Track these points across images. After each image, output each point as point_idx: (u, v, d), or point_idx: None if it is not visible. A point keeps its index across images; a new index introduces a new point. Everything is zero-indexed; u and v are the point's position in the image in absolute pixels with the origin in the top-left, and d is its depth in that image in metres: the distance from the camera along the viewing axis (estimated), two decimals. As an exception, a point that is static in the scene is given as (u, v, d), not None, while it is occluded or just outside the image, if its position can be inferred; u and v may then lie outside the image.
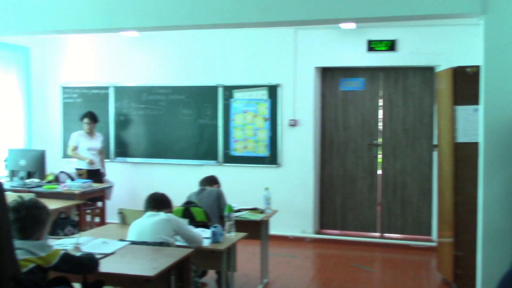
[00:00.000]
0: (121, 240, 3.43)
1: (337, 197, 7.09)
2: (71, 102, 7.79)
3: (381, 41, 6.50)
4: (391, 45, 6.48)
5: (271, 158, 6.97)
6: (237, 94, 7.07)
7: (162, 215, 3.55)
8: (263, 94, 6.97)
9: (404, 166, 6.83)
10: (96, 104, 7.57)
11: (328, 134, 7.09)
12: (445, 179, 5.07)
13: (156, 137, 7.44)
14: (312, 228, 6.93)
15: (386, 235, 6.91)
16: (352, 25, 6.27)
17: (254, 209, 5.03)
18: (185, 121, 7.29)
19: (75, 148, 6.92)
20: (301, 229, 6.92)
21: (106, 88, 7.61)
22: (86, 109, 7.30)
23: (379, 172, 6.95)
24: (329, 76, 7.07)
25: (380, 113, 6.91)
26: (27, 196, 4.28)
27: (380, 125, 6.92)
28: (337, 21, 4.62)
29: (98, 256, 2.92)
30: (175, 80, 7.33)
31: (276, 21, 3.99)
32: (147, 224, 3.52)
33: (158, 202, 3.73)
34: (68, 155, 7.08)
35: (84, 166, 6.86)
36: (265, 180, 6.71)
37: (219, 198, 4.64)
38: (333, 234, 7.01)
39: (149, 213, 3.63)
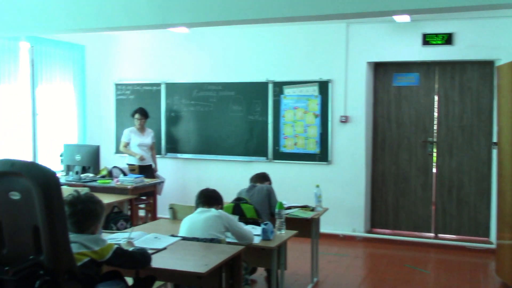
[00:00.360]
0: (172, 235, 3.44)
1: (389, 196, 6.91)
2: (124, 99, 7.93)
3: (437, 35, 6.27)
4: (447, 39, 6.24)
5: (322, 155, 6.86)
6: (288, 90, 7.00)
7: (213, 211, 3.53)
8: (314, 90, 6.88)
9: (461, 164, 6.57)
10: (148, 100, 7.68)
11: (380, 131, 6.92)
12: (506, 178, 4.84)
13: (206, 133, 7.47)
14: (363, 227, 6.79)
15: (441, 235, 6.68)
16: (406, 18, 6.08)
17: (304, 207, 4.96)
18: (235, 117, 7.29)
19: (127, 144, 7.04)
20: (352, 228, 6.79)
21: (158, 84, 7.71)
22: (138, 106, 7.42)
23: (434, 170, 6.72)
24: (381, 71, 6.89)
25: (435, 110, 6.68)
26: (82, 190, 4.38)
27: (435, 122, 6.68)
28: (391, 13, 4.46)
29: (150, 251, 2.93)
30: (225, 76, 7.33)
31: (328, 14, 3.90)
32: (198, 220, 3.51)
33: (209, 198, 3.72)
34: (120, 151, 7.22)
35: (135, 162, 6.98)
36: (315, 177, 6.63)
37: (270, 195, 4.60)
38: (384, 234, 6.84)
39: (200, 209, 3.62)
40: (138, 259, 2.77)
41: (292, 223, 4.38)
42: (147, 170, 6.98)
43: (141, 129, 7.10)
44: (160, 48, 7.73)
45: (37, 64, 6.75)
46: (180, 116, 7.62)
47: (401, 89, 6.81)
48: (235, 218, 3.94)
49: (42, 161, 6.84)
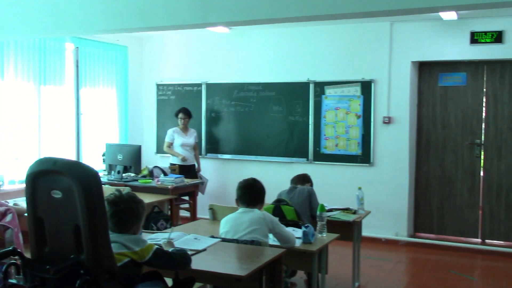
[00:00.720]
0: (212, 236, 3.40)
1: (433, 199, 6.70)
2: (165, 99, 7.99)
3: (486, 33, 6.03)
4: (497, 37, 6.00)
5: (364, 157, 6.72)
6: (329, 91, 6.89)
7: (257, 213, 3.45)
8: (356, 90, 6.74)
9: (510, 167, 6.31)
10: (189, 101, 7.70)
11: (425, 133, 6.71)
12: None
13: (246, 134, 7.44)
14: (406, 231, 6.60)
15: (488, 241, 6.43)
16: (453, 16, 5.87)
17: (346, 209, 4.84)
18: (275, 118, 7.22)
19: (170, 144, 7.10)
20: (395, 232, 6.61)
21: (199, 85, 7.72)
22: (179, 106, 7.46)
23: (481, 173, 6.47)
24: (427, 71, 6.69)
25: (483, 111, 6.44)
26: (124, 190, 4.41)
27: (483, 123, 6.44)
28: (437, 10, 4.29)
29: (190, 253, 2.89)
30: (265, 76, 7.28)
31: (372, 11, 3.76)
32: (242, 222, 3.42)
33: (253, 198, 3.58)
34: (164, 151, 7.27)
35: (178, 161, 7.02)
36: (357, 179, 6.49)
37: (311, 197, 4.50)
38: (428, 238, 6.63)
39: (242, 209, 3.53)
40: (178, 260, 2.74)
41: (333, 226, 4.28)
42: (190, 170, 7.02)
43: (185, 129, 7.14)
44: (201, 48, 7.74)
45: (81, 65, 6.87)
46: (220, 116, 7.61)
47: (447, 89, 6.60)
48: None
49: (86, 160, 6.96)
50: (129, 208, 2.70)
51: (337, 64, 6.84)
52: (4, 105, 5.90)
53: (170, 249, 2.87)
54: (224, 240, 3.31)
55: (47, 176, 2.34)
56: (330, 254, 4.52)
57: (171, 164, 7.09)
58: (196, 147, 7.28)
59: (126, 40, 7.69)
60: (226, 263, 2.86)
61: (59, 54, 6.58)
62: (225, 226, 3.51)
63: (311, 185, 4.89)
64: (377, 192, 6.52)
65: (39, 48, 6.26)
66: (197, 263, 2.78)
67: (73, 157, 6.79)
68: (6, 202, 4.72)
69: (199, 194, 7.20)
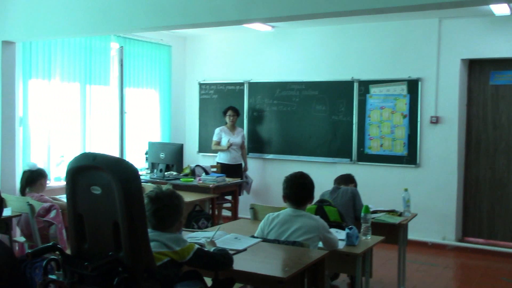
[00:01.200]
0: (253, 236, 3.32)
1: (483, 203, 6.42)
2: (208, 98, 7.99)
3: (542, 28, 5.74)
4: (554, 33, 5.70)
5: (410, 158, 6.51)
6: (374, 89, 6.71)
7: (308, 219, 3.26)
8: (402, 89, 6.54)
9: None
10: (231, 100, 7.67)
11: (475, 133, 6.44)
12: None
13: (289, 133, 7.34)
14: (454, 235, 6.35)
15: (543, 247, 6.12)
16: (506, 10, 5.60)
17: (391, 211, 4.67)
18: (318, 117, 7.10)
19: (217, 143, 7.11)
20: (442, 236, 6.38)
21: (241, 84, 7.68)
22: (222, 105, 7.48)
23: (536, 176, 6.17)
24: (477, 69, 6.42)
25: (538, 110, 6.13)
26: (164, 186, 4.39)
27: (538, 124, 6.14)
28: (488, 2, 4.10)
29: (231, 252, 2.82)
30: (308, 75, 7.16)
31: (421, 4, 3.60)
32: (292, 226, 3.24)
33: (300, 198, 3.36)
34: (212, 149, 7.28)
35: (225, 160, 7.04)
36: (403, 181, 6.29)
37: (355, 198, 4.36)
38: (478, 243, 6.36)
39: (292, 210, 3.33)
40: (220, 260, 2.67)
41: (377, 228, 4.13)
42: (237, 169, 7.02)
43: (232, 128, 7.13)
44: (243, 47, 7.70)
45: (126, 64, 6.93)
46: (262, 115, 7.54)
47: (499, 88, 6.31)
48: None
49: (129, 158, 7.02)
50: (171, 204, 2.65)
51: (383, 62, 6.66)
52: (51, 104, 6.01)
53: (212, 249, 2.81)
54: (265, 240, 3.22)
55: (86, 172, 2.31)
56: (375, 257, 4.36)
57: (218, 163, 7.10)
58: (244, 146, 7.26)
59: (170, 40, 7.74)
60: (267, 264, 2.78)
61: (105, 54, 6.67)
62: (270, 224, 3.34)
63: (355, 185, 4.75)
64: (424, 194, 6.30)
65: (85, 48, 6.36)
66: (237, 264, 2.71)
67: (117, 155, 6.86)
68: (51, 198, 4.80)
69: (244, 193, 7.19)
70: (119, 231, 2.26)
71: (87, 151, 6.25)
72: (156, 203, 2.60)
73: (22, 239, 4.83)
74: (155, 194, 2.64)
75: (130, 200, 2.20)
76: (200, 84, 8.03)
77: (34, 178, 4.75)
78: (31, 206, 4.36)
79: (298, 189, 3.36)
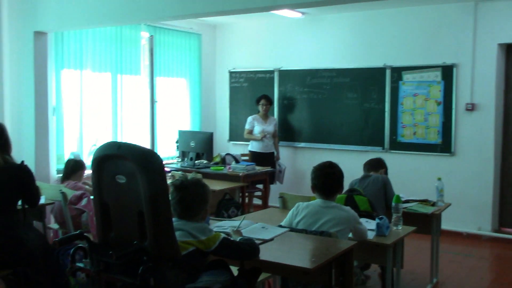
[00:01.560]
0: (280, 226, 3.29)
1: (521, 192, 6.23)
2: (238, 87, 7.96)
3: None
4: None
5: (444, 146, 6.35)
6: (407, 76, 6.55)
7: (340, 210, 3.18)
8: (436, 75, 6.36)
9: None
10: (261, 88, 7.62)
11: (513, 120, 6.24)
12: None
13: (319, 121, 7.26)
14: (490, 225, 6.18)
15: None
16: (547, -7, 5.37)
17: (424, 201, 4.56)
18: (349, 105, 6.99)
19: (250, 132, 7.10)
20: (477, 226, 6.21)
21: (271, 72, 7.62)
22: (252, 93, 7.44)
23: None
24: (516, 54, 6.20)
25: None
26: (189, 175, 4.39)
27: None
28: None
29: (257, 242, 2.80)
30: (339, 62, 7.05)
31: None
32: (323, 217, 3.16)
33: (332, 187, 3.27)
34: (244, 138, 7.28)
35: (258, 149, 7.03)
36: (436, 169, 6.15)
37: (386, 186, 4.26)
38: (515, 234, 6.19)
39: (322, 201, 3.25)
40: (246, 250, 2.65)
41: (409, 218, 4.05)
42: (269, 158, 7.00)
43: (265, 116, 7.11)
44: (273, 35, 7.62)
45: (156, 53, 6.96)
46: (293, 104, 7.48)
47: (539, 73, 6.08)
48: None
49: (160, 147, 7.09)
50: (196, 193, 2.63)
51: (416, 48, 6.49)
52: (84, 94, 6.09)
53: (238, 238, 2.79)
54: (292, 230, 3.18)
55: (111, 161, 2.32)
56: (407, 247, 4.28)
57: (250, 152, 7.09)
58: (276, 135, 7.22)
59: (200, 28, 7.73)
60: (294, 254, 2.74)
61: (135, 43, 6.70)
62: (299, 214, 3.27)
63: (386, 170, 4.64)
64: (459, 183, 6.15)
65: (115, 37, 6.40)
66: (263, 253, 2.68)
67: (147, 144, 6.91)
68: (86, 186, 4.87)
69: (277, 183, 7.16)
70: (144, 220, 2.25)
71: (118, 140, 6.35)
72: (181, 191, 2.59)
73: (56, 226, 4.93)
74: (180, 182, 2.63)
75: (154, 189, 2.20)
76: (230, 73, 8.01)
77: (76, 168, 4.86)
78: (63, 194, 4.44)
79: (326, 179, 3.28)
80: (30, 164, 5.13)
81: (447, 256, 5.37)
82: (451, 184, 5.81)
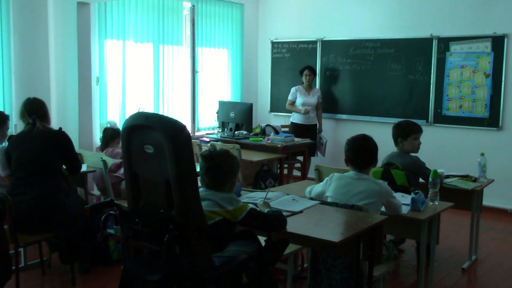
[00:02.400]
0: (311, 199, 3.27)
1: None
2: (280, 57, 7.88)
3: None
4: None
5: (491, 120, 6.11)
6: (454, 47, 6.30)
7: (373, 183, 3.14)
8: (486, 46, 6.09)
9: None
10: (303, 59, 7.52)
11: None
12: None
13: (362, 93, 7.13)
14: (537, 202, 5.97)
15: None
16: None
17: (465, 177, 4.42)
18: (393, 76, 6.81)
19: (292, 103, 7.07)
20: (523, 203, 6.01)
21: (314, 42, 7.50)
22: (294, 64, 7.37)
23: None
24: None
25: None
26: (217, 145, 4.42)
27: None
28: None
29: (285, 214, 2.80)
30: (384, 32, 6.85)
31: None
32: (354, 189, 3.14)
33: (365, 161, 3.22)
34: (286, 109, 7.24)
35: (300, 120, 7.00)
36: (482, 144, 5.96)
37: (418, 170, 4.11)
38: None
39: (354, 173, 3.21)
40: (272, 222, 2.66)
41: (450, 194, 3.95)
42: (311, 130, 6.96)
43: (308, 88, 7.05)
44: (316, 4, 7.48)
45: (198, 23, 6.96)
46: (335, 75, 7.35)
47: None
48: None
49: (201, 117, 7.16)
50: (223, 163, 2.64)
51: (465, 17, 6.22)
52: (126, 64, 6.17)
53: (266, 210, 2.80)
54: (323, 202, 3.17)
55: (140, 131, 2.34)
56: (447, 223, 4.20)
57: (292, 123, 7.06)
58: (319, 107, 7.13)
59: (242, -2, 7.66)
60: (321, 227, 2.72)
61: (177, 14, 6.72)
62: (332, 184, 3.25)
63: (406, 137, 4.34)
64: (505, 159, 5.95)
65: (157, 8, 6.43)
66: (291, 225, 2.68)
67: (188, 114, 6.99)
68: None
69: (319, 155, 7.12)
70: (171, 190, 2.29)
71: (161, 109, 6.45)
72: (209, 162, 2.61)
73: (97, 192, 5.10)
74: (208, 153, 2.65)
75: (180, 159, 2.21)
76: (272, 43, 7.93)
77: (113, 136, 4.97)
78: (104, 162, 4.56)
79: (360, 151, 3.23)
80: (74, 132, 5.33)
81: (489, 233, 5.24)
82: (497, 160, 5.62)
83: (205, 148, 5.20)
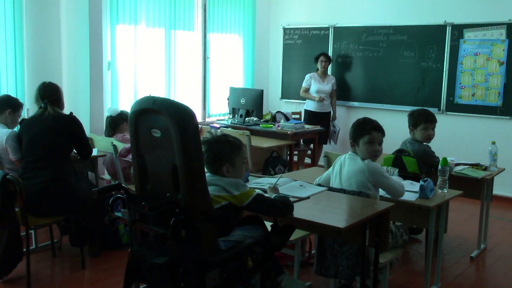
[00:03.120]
0: (319, 185, 3.28)
1: None
2: (292, 44, 7.84)
3: None
4: None
5: (504, 109, 6.05)
6: (468, 34, 6.23)
7: (359, 163, 3.18)
8: (501, 33, 6.01)
9: None
10: (315, 45, 7.48)
11: None
12: None
13: (374, 80, 7.08)
14: (549, 192, 5.91)
15: None
16: None
17: (475, 165, 4.39)
18: (405, 64, 6.75)
19: (306, 90, 7.05)
20: (535, 193, 5.96)
21: (326, 29, 7.45)
22: (306, 51, 7.34)
23: None
24: None
25: None
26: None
27: None
28: None
29: (292, 200, 2.80)
30: (397, 19, 6.78)
31: None
32: (345, 171, 3.23)
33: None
34: (300, 96, 7.21)
35: (313, 108, 6.97)
36: (494, 133, 5.90)
37: (427, 159, 4.08)
38: None
39: (349, 153, 3.29)
40: (279, 207, 2.66)
41: (460, 182, 3.93)
42: (324, 117, 6.94)
43: (323, 75, 7.01)
44: (329, -10, 7.41)
45: (210, 9, 6.94)
46: (347, 62, 7.31)
47: None
48: (394, 170, 3.63)
49: (211, 103, 7.16)
50: (213, 148, 2.62)
51: (479, 4, 6.14)
52: (138, 49, 6.18)
53: (273, 195, 2.81)
54: (330, 189, 3.17)
55: (147, 115, 2.35)
56: (457, 212, 4.18)
57: (305, 110, 7.05)
58: (334, 95, 7.10)
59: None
60: (327, 213, 2.73)
61: (189, -1, 6.71)
62: (335, 166, 3.33)
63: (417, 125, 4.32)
64: (517, 148, 5.88)
65: (169, -8, 6.43)
66: (297, 211, 2.69)
67: (199, 100, 7.00)
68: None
69: (331, 142, 7.11)
70: (177, 174, 2.30)
71: (172, 94, 6.46)
72: (203, 147, 2.57)
73: (108, 177, 5.14)
74: (205, 139, 2.65)
75: (187, 143, 2.22)
76: (284, 29, 7.89)
77: (116, 122, 4.98)
78: (114, 147, 4.60)
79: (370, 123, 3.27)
80: (85, 117, 5.37)
81: (499, 222, 5.20)
82: (508, 149, 5.58)
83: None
